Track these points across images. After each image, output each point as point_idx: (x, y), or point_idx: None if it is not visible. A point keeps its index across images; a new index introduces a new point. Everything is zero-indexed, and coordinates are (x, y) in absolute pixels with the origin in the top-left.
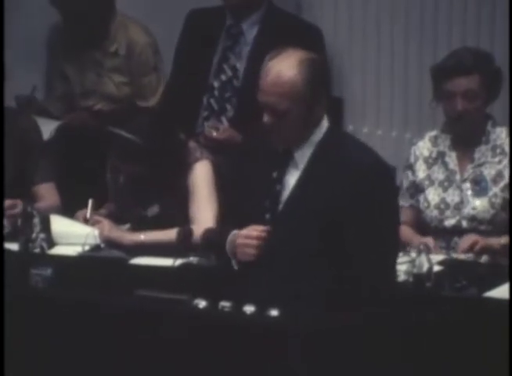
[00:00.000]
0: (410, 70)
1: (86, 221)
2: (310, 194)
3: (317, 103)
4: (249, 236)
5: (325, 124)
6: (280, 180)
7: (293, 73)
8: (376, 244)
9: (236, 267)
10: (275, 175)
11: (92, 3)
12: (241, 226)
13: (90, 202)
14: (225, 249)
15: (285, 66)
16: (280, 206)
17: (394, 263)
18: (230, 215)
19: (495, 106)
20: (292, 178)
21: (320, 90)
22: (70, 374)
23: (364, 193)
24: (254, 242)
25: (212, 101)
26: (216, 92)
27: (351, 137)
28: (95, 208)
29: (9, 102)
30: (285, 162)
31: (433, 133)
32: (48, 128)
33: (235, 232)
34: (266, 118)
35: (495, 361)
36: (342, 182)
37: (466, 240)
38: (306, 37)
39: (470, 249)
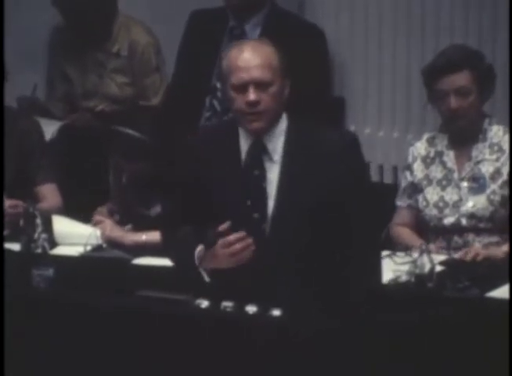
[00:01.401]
0: (412, 70)
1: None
2: (298, 186)
3: (287, 84)
4: (228, 242)
5: (284, 114)
6: (264, 177)
7: (267, 47)
8: (371, 216)
9: (207, 279)
10: (256, 172)
11: (94, 4)
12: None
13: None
14: (193, 265)
15: (256, 45)
16: (269, 203)
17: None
18: (214, 216)
19: (495, 106)
20: (271, 173)
21: (287, 69)
22: (71, 375)
23: (349, 170)
24: (234, 248)
25: (215, 102)
26: (219, 93)
27: (310, 121)
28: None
29: (10, 102)
30: (259, 156)
31: (430, 134)
32: (50, 128)
33: (201, 248)
34: (253, 95)
35: (496, 361)
36: (324, 166)
37: (468, 253)
38: (309, 38)
39: (472, 260)
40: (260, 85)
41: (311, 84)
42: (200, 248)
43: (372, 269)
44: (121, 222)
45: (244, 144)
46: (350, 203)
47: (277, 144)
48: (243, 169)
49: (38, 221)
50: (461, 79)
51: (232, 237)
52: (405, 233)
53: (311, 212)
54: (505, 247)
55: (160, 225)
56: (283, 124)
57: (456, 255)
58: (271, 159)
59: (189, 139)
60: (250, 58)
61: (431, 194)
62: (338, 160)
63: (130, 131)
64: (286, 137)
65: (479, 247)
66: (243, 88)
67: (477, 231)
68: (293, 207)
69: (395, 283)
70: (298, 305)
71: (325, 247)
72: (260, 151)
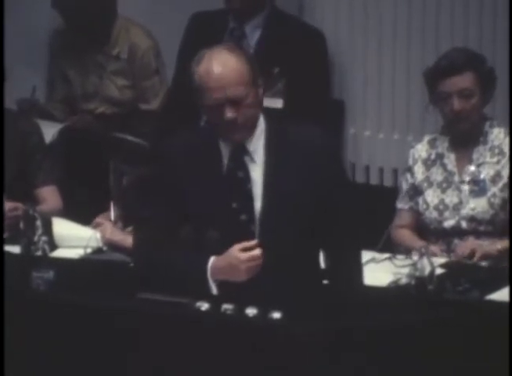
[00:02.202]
0: (412, 73)
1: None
2: (283, 185)
3: (258, 84)
4: (254, 257)
5: (261, 114)
6: (248, 178)
7: (234, 60)
8: (353, 213)
9: (215, 292)
10: (240, 174)
11: (94, 6)
12: (215, 231)
13: (112, 204)
14: (206, 277)
15: (223, 57)
16: (255, 204)
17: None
18: (202, 221)
19: (495, 107)
20: (254, 174)
21: (256, 72)
22: None
23: (329, 167)
24: (259, 261)
25: None
26: None
27: (287, 120)
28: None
29: (10, 104)
30: (241, 158)
31: (431, 136)
32: (50, 130)
33: (216, 258)
34: (230, 113)
35: (497, 364)
36: (306, 164)
37: (465, 247)
38: (308, 40)
39: (469, 257)
40: (235, 101)
41: (310, 87)
42: (212, 260)
43: (353, 268)
44: (122, 225)
45: (225, 148)
46: (332, 200)
47: (258, 145)
48: (227, 172)
49: (38, 223)
50: (464, 81)
51: (258, 252)
52: (406, 235)
53: (298, 211)
54: (499, 245)
55: (141, 228)
56: (261, 125)
57: (454, 254)
58: (253, 160)
59: (165, 146)
60: (220, 76)
61: (432, 197)
62: (318, 157)
63: (129, 138)
64: (266, 138)
65: (475, 242)
66: (217, 106)
67: (477, 234)
68: (279, 207)
69: (395, 286)
70: (292, 306)
71: (313, 246)
72: (242, 153)
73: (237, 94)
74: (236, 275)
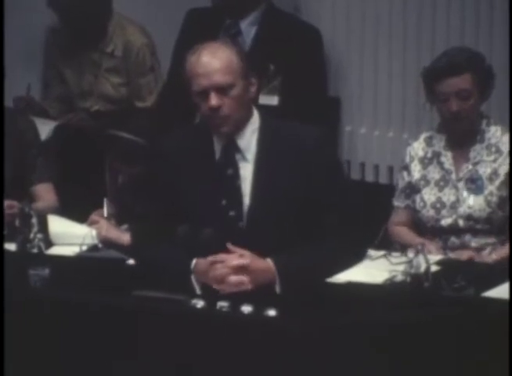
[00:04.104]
0: (408, 70)
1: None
2: (272, 183)
3: (250, 81)
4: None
5: (256, 112)
6: (237, 176)
7: (226, 49)
8: (346, 211)
9: (199, 292)
10: (230, 171)
11: (89, 4)
12: (202, 227)
13: (105, 201)
14: (188, 276)
15: (215, 48)
16: (244, 201)
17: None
18: (191, 216)
19: (494, 106)
20: (245, 171)
21: (249, 68)
22: (68, 374)
23: (322, 166)
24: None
25: None
26: None
27: (283, 119)
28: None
29: (7, 102)
30: (232, 155)
31: (428, 134)
32: (45, 128)
33: (199, 260)
34: (214, 100)
35: (494, 361)
36: (298, 162)
37: (462, 256)
38: (304, 37)
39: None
40: (221, 90)
41: (306, 84)
42: (195, 261)
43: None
44: (117, 222)
45: (218, 144)
46: (324, 199)
47: (250, 143)
48: (217, 169)
49: (34, 221)
50: (462, 82)
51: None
52: (403, 232)
53: (287, 208)
54: (494, 255)
55: (136, 225)
56: (255, 122)
57: (452, 255)
58: (244, 158)
59: (164, 143)
60: (208, 63)
61: (429, 195)
62: (311, 156)
63: (126, 135)
64: (259, 135)
65: (472, 252)
66: (204, 93)
67: (474, 232)
68: (268, 204)
69: (391, 283)
70: (288, 303)
71: (301, 243)
72: (233, 150)
73: (223, 81)
74: (208, 281)
